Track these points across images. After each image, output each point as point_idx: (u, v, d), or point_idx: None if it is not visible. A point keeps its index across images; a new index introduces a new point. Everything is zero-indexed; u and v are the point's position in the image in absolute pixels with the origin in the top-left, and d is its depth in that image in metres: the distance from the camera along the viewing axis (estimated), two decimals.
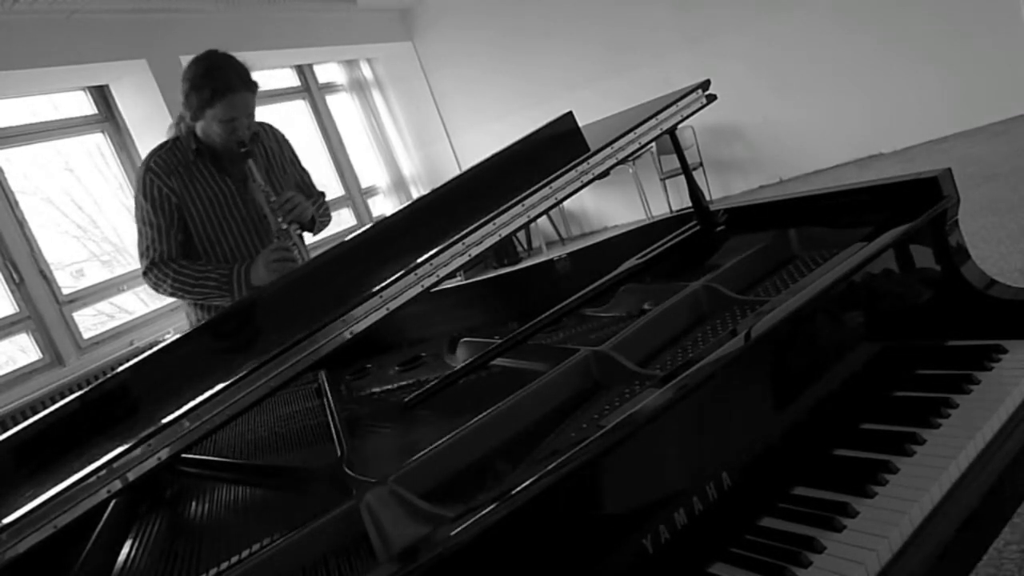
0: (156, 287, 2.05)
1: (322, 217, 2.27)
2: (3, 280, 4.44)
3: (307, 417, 1.33)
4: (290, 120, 6.98)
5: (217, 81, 1.92)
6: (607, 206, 7.49)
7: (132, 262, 5.19)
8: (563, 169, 1.09)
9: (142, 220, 2.04)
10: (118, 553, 1.06)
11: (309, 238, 2.26)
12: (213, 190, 2.05)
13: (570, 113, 1.39)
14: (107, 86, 5.28)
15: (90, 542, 1.07)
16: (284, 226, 1.98)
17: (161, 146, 2.07)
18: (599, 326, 1.27)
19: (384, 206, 7.62)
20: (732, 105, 6.19)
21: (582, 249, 1.68)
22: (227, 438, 1.35)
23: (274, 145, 2.20)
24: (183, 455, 0.92)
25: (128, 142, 5.26)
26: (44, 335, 4.53)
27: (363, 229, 1.22)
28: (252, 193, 2.04)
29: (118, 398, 1.06)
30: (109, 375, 1.05)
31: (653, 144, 1.75)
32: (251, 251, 2.07)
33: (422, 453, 0.89)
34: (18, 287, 4.48)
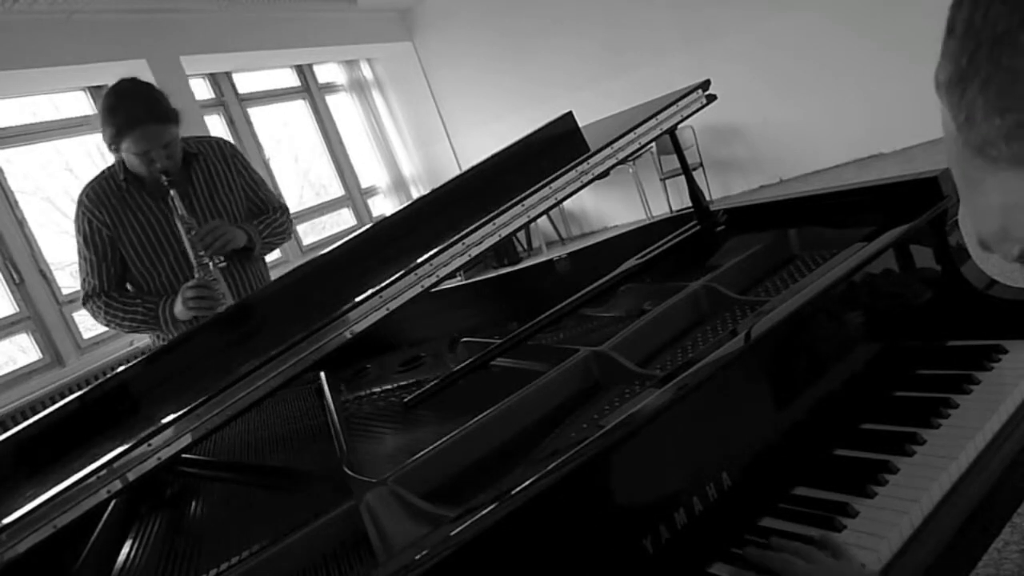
0: (94, 317, 2.04)
1: (270, 237, 2.17)
2: (3, 280, 4.44)
3: (307, 417, 1.33)
4: (290, 120, 6.99)
5: (120, 117, 1.86)
6: (607, 206, 7.48)
7: None
8: (563, 169, 1.09)
9: (77, 253, 2.02)
10: (118, 553, 1.06)
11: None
12: (148, 220, 1.98)
13: (570, 113, 1.39)
14: (107, 86, 5.27)
15: (90, 542, 1.07)
16: (206, 260, 1.90)
17: (96, 177, 2.03)
18: (599, 326, 1.27)
19: (384, 206, 7.62)
20: (732, 105, 6.19)
21: (582, 249, 1.68)
22: (227, 438, 1.35)
23: (218, 164, 2.11)
24: (183, 455, 0.92)
25: None
26: (44, 335, 4.53)
27: (363, 229, 1.22)
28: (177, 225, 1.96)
29: (118, 398, 1.06)
30: (109, 375, 1.05)
31: (653, 144, 1.75)
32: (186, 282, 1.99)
33: (422, 453, 0.89)
34: (18, 287, 4.48)
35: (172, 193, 1.90)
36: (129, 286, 2.06)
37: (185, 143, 2.06)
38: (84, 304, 2.05)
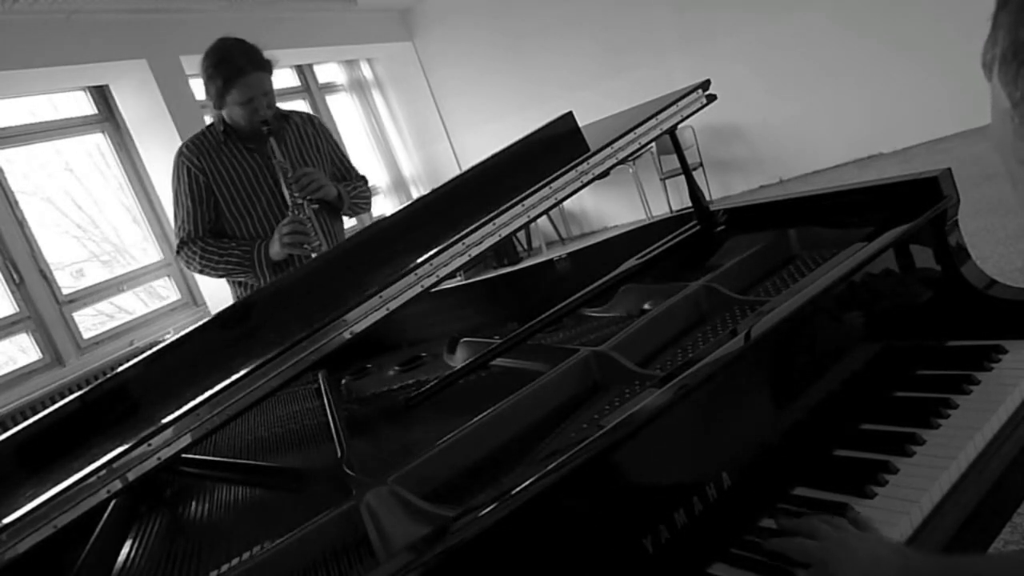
0: (188, 265, 2.17)
1: (355, 199, 2.31)
2: (3, 280, 4.44)
3: (307, 417, 1.33)
4: None
5: (227, 68, 2.00)
6: (607, 206, 7.48)
7: (132, 262, 5.19)
8: (563, 169, 1.09)
9: (174, 202, 2.16)
10: (118, 553, 1.06)
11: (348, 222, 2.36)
12: (242, 167, 2.12)
13: (570, 113, 1.39)
14: (107, 86, 5.28)
15: (90, 542, 1.07)
16: (299, 200, 2.05)
17: (195, 134, 2.19)
18: (599, 326, 1.27)
19: (384, 206, 7.62)
20: (732, 105, 6.19)
21: (582, 249, 1.68)
22: (227, 438, 1.35)
23: (309, 128, 2.27)
24: (183, 455, 0.92)
25: (128, 142, 5.26)
26: (44, 335, 4.53)
27: (363, 229, 1.22)
28: (274, 169, 2.11)
29: (118, 398, 1.06)
30: (109, 375, 1.05)
31: (653, 144, 1.75)
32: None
33: (422, 453, 0.89)
34: (18, 287, 4.48)
35: (271, 140, 2.06)
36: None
37: (279, 109, 2.20)
38: (178, 252, 2.18)
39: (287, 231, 2.01)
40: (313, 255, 2.02)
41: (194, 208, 2.12)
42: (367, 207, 2.40)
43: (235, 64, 2.00)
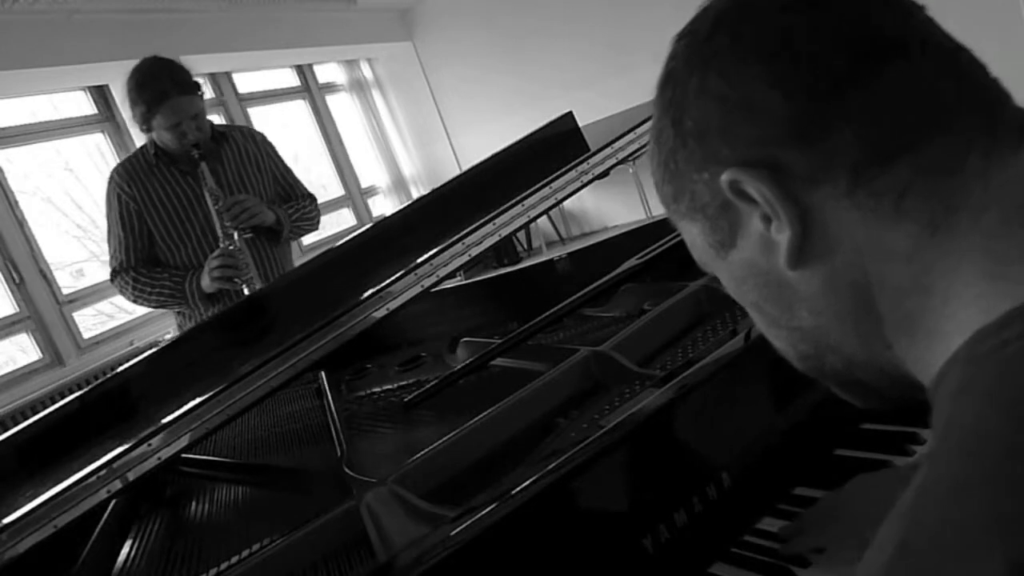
0: (122, 294, 2.08)
1: (299, 222, 2.21)
2: (3, 280, 4.44)
3: (307, 417, 1.33)
4: (290, 120, 6.99)
5: (150, 92, 1.91)
6: (607, 206, 7.48)
7: None
8: (563, 169, 1.09)
9: (108, 230, 2.07)
10: (118, 553, 1.06)
11: (309, 238, 2.26)
12: (175, 192, 2.02)
13: (570, 113, 1.40)
14: (107, 86, 5.27)
15: (90, 542, 1.07)
16: (231, 231, 1.94)
17: (127, 156, 2.09)
18: (599, 326, 1.27)
19: (384, 206, 7.62)
20: None
21: (582, 249, 1.68)
22: (227, 438, 1.34)
23: (250, 146, 2.17)
24: (183, 455, 0.92)
25: (128, 142, 5.26)
26: (44, 335, 4.53)
27: (363, 229, 1.22)
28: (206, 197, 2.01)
29: (118, 398, 1.06)
30: (109, 375, 1.05)
31: None
32: None
33: (422, 453, 0.89)
34: (18, 287, 4.48)
35: (202, 165, 1.95)
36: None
37: (217, 126, 2.11)
38: (112, 280, 2.08)
39: (216, 265, 1.91)
40: (245, 290, 1.92)
41: (125, 237, 2.02)
42: (312, 228, 2.30)
43: (158, 88, 1.90)
